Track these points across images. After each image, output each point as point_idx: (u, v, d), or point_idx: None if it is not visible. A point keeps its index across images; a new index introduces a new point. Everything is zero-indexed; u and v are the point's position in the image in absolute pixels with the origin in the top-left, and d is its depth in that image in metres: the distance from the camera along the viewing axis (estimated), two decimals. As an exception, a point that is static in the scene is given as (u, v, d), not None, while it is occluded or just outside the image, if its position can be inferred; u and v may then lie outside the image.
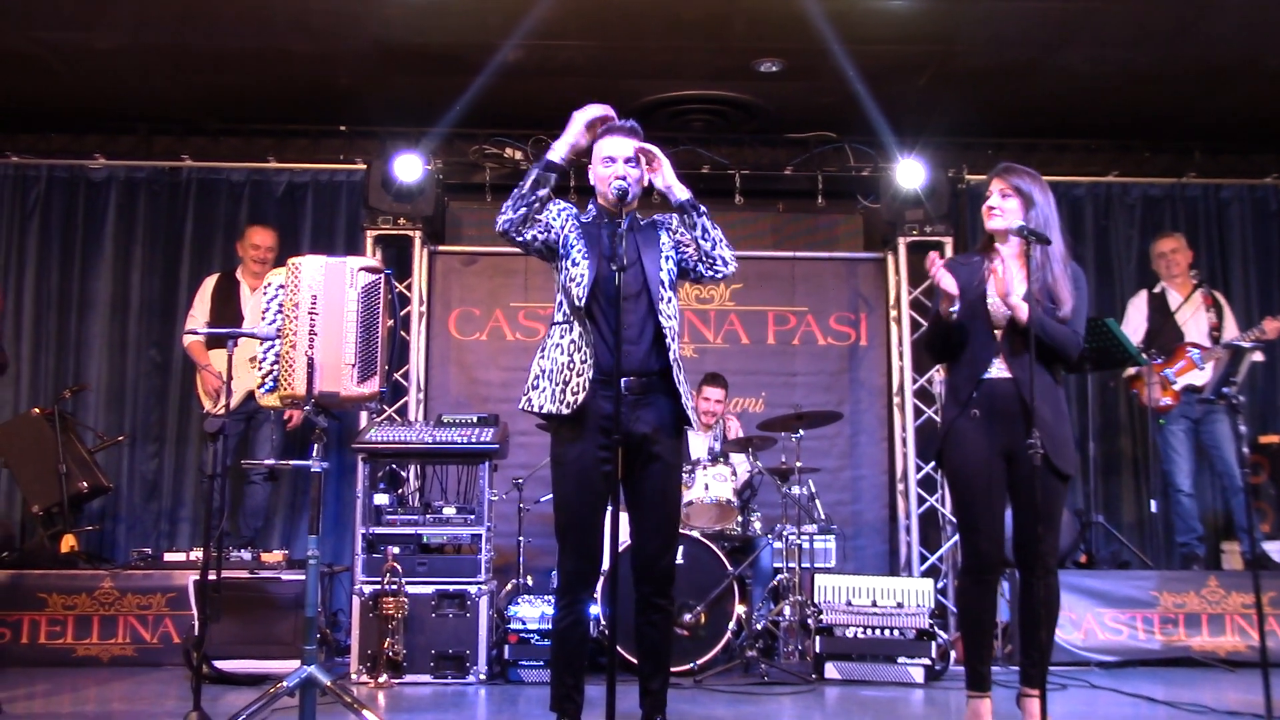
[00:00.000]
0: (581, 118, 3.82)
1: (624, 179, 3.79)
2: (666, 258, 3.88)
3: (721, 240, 3.89)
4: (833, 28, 6.12)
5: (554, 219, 3.86)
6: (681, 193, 3.84)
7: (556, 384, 3.77)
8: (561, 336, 3.83)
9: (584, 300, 3.76)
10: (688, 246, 3.90)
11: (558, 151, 3.79)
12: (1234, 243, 7.93)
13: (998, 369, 4.03)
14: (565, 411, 3.75)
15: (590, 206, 3.98)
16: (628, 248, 3.78)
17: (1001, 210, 4.05)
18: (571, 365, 3.76)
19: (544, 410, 3.80)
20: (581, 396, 3.73)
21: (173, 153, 7.66)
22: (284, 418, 6.74)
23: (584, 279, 3.77)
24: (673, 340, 3.82)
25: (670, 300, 3.85)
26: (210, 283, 7.00)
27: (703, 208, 3.87)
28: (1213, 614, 6.11)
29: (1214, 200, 7.98)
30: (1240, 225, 7.96)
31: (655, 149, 3.84)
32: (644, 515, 3.85)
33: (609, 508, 3.67)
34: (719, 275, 3.93)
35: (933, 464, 7.26)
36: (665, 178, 3.82)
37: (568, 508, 3.80)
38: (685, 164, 7.52)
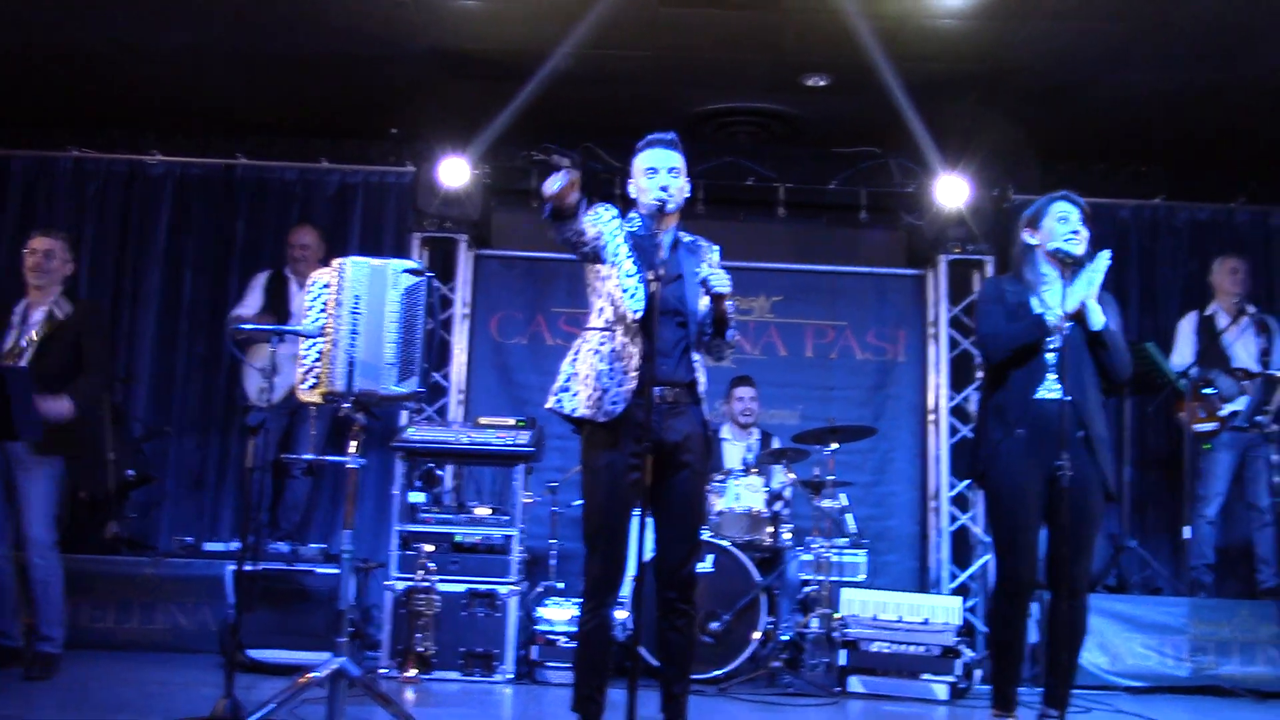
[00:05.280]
0: (547, 194, 3.52)
1: (666, 189, 3.83)
2: (706, 277, 3.91)
3: (731, 352, 4.12)
4: (881, 45, 6.13)
5: (603, 226, 3.85)
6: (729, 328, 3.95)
7: (594, 391, 3.82)
8: (602, 344, 3.86)
9: (640, 314, 3.78)
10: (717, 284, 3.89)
11: (548, 210, 3.62)
12: (1280, 270, 7.86)
13: (1048, 389, 4.05)
14: (601, 420, 3.80)
15: (634, 215, 3.99)
16: (671, 262, 3.84)
17: (1083, 237, 4.11)
18: (612, 375, 3.80)
19: (576, 414, 3.85)
20: (620, 408, 3.78)
21: (227, 150, 7.79)
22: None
23: (640, 293, 3.80)
24: (700, 355, 3.93)
25: (702, 324, 3.93)
26: (262, 278, 7.13)
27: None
28: (1244, 643, 6.07)
29: (1262, 227, 7.90)
30: (1288, 253, 7.88)
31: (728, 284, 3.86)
32: (670, 521, 3.88)
33: (636, 514, 3.73)
34: (711, 362, 4.08)
35: (966, 482, 7.26)
36: (727, 310, 3.90)
37: (597, 513, 3.84)
38: (730, 175, 7.57)
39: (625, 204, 4.04)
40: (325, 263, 6.97)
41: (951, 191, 7.13)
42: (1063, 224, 4.13)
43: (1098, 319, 4.07)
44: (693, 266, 3.94)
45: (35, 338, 5.19)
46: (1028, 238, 4.25)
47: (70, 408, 5.09)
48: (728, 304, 3.89)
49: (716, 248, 4.09)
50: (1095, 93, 6.74)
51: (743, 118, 7.37)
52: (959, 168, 7.08)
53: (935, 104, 6.78)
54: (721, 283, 3.82)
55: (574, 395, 3.87)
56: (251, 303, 7.04)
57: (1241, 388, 6.68)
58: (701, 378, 3.93)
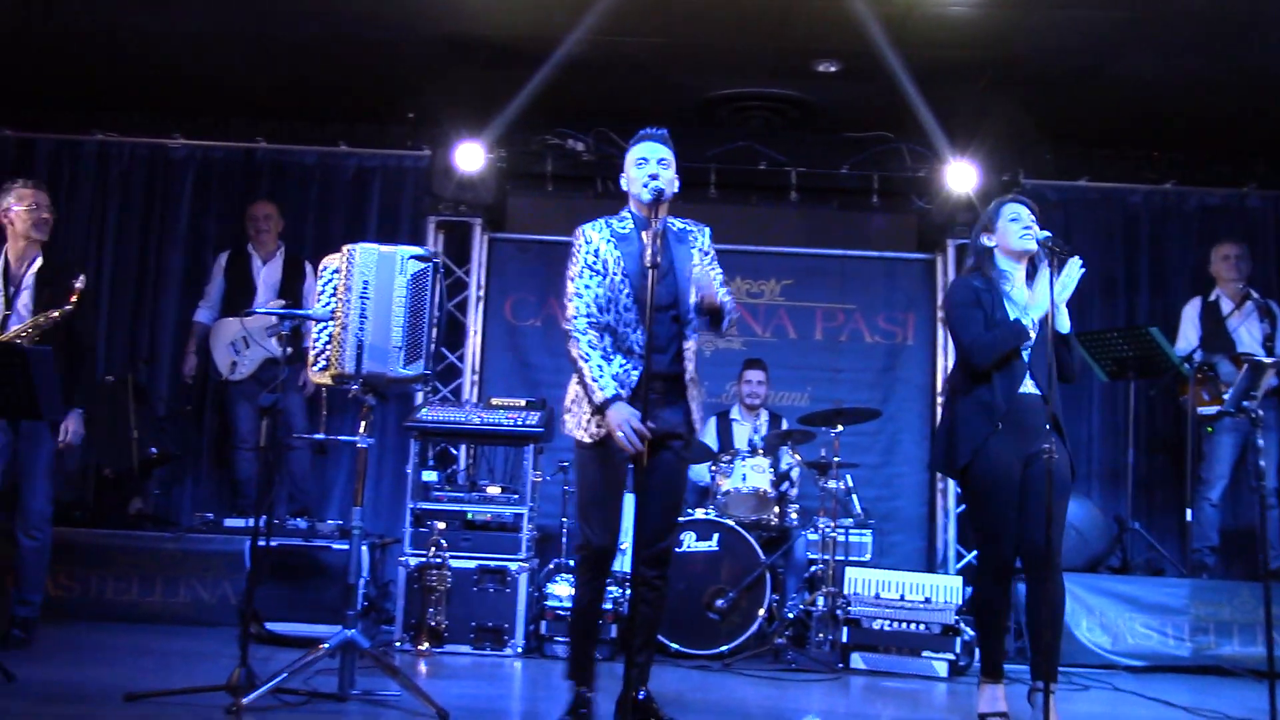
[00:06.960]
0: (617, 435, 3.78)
1: (657, 178, 3.91)
2: (696, 280, 3.95)
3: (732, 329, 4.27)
4: (890, 31, 6.20)
5: (600, 266, 3.95)
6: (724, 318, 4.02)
7: (585, 412, 3.93)
8: None
9: (633, 323, 3.91)
10: (706, 287, 3.93)
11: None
12: (1292, 256, 7.86)
13: (1027, 385, 4.26)
14: (588, 441, 3.92)
15: (624, 211, 4.09)
16: (663, 254, 3.90)
17: (1035, 233, 4.32)
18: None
19: (572, 435, 4.00)
20: (604, 432, 3.86)
21: (247, 134, 7.93)
22: (300, 384, 6.86)
23: (631, 301, 3.91)
24: (691, 351, 4.01)
25: (694, 318, 4.01)
26: (222, 259, 7.31)
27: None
28: (1244, 624, 6.14)
29: (1273, 212, 7.91)
30: (1300, 238, 7.89)
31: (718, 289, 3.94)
32: (652, 500, 3.95)
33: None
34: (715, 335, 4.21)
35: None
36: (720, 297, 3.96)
37: (594, 489, 3.98)
38: (743, 160, 7.62)
39: (621, 199, 4.14)
40: (284, 235, 7.22)
41: (961, 177, 7.17)
42: (1015, 223, 4.36)
43: (1065, 323, 4.26)
44: (684, 256, 4.02)
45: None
46: (985, 240, 4.46)
47: (77, 425, 5.32)
48: (723, 300, 3.96)
49: (706, 229, 4.16)
50: (1103, 78, 6.78)
51: (755, 102, 7.45)
52: (968, 153, 7.12)
53: (945, 90, 6.83)
54: (710, 286, 3.89)
55: (572, 415, 4.01)
56: (213, 289, 7.24)
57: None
58: (690, 369, 4.02)
